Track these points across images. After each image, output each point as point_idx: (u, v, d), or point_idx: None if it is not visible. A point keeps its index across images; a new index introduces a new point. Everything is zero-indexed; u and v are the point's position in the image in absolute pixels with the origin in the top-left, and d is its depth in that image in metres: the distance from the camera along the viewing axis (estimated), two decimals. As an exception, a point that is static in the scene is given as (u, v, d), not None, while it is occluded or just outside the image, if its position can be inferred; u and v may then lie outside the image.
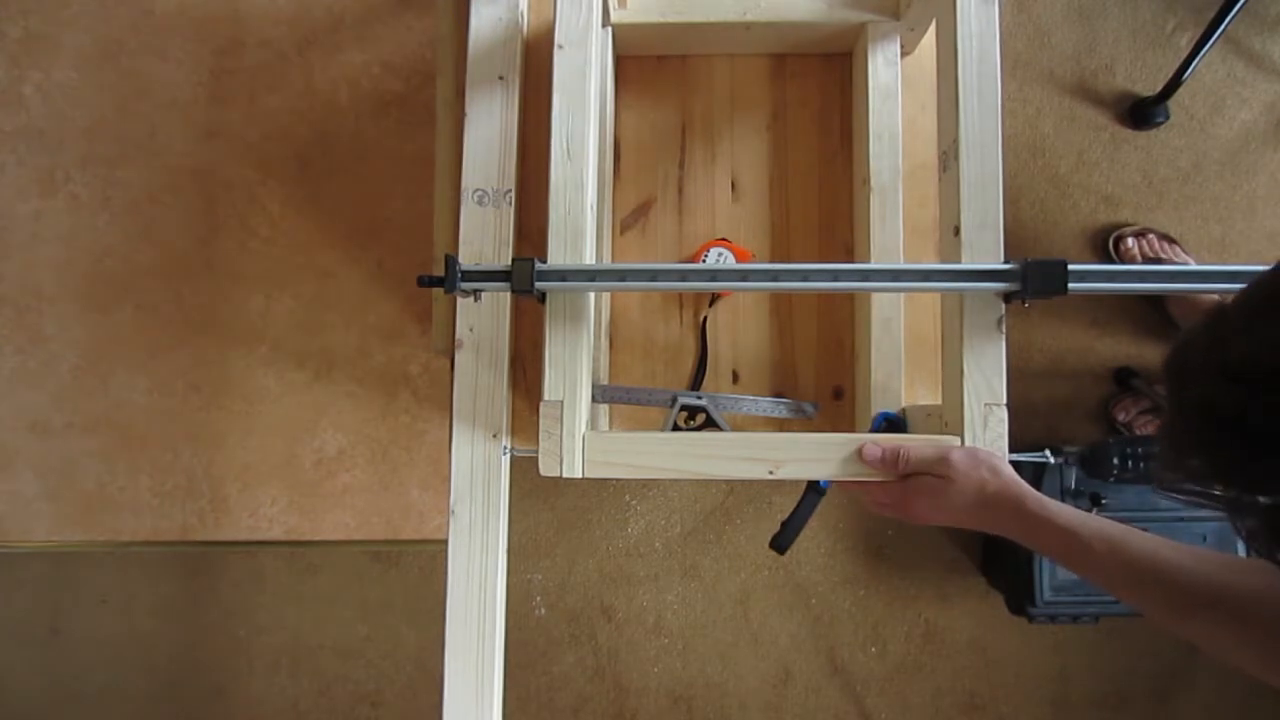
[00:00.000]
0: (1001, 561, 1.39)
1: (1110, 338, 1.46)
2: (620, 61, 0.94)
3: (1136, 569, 0.60)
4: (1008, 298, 0.69)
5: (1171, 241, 1.42)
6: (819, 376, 0.92)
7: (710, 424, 0.80)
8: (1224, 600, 0.56)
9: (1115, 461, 0.67)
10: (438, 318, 0.90)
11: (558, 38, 0.74)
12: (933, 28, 0.81)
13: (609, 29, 0.87)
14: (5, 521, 1.41)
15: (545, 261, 0.70)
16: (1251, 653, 0.56)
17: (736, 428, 0.81)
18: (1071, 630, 1.45)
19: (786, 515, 0.76)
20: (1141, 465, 0.66)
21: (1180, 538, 0.60)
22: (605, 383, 0.89)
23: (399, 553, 1.48)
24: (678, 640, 1.49)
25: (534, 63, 0.87)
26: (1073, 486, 1.27)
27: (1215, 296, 1.35)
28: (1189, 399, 0.45)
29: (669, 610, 1.49)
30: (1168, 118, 1.46)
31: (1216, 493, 0.44)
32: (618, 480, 1.48)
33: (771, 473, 0.70)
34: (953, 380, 0.71)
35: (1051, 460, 0.73)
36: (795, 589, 1.48)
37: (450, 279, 0.68)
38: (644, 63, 0.95)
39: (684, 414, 0.81)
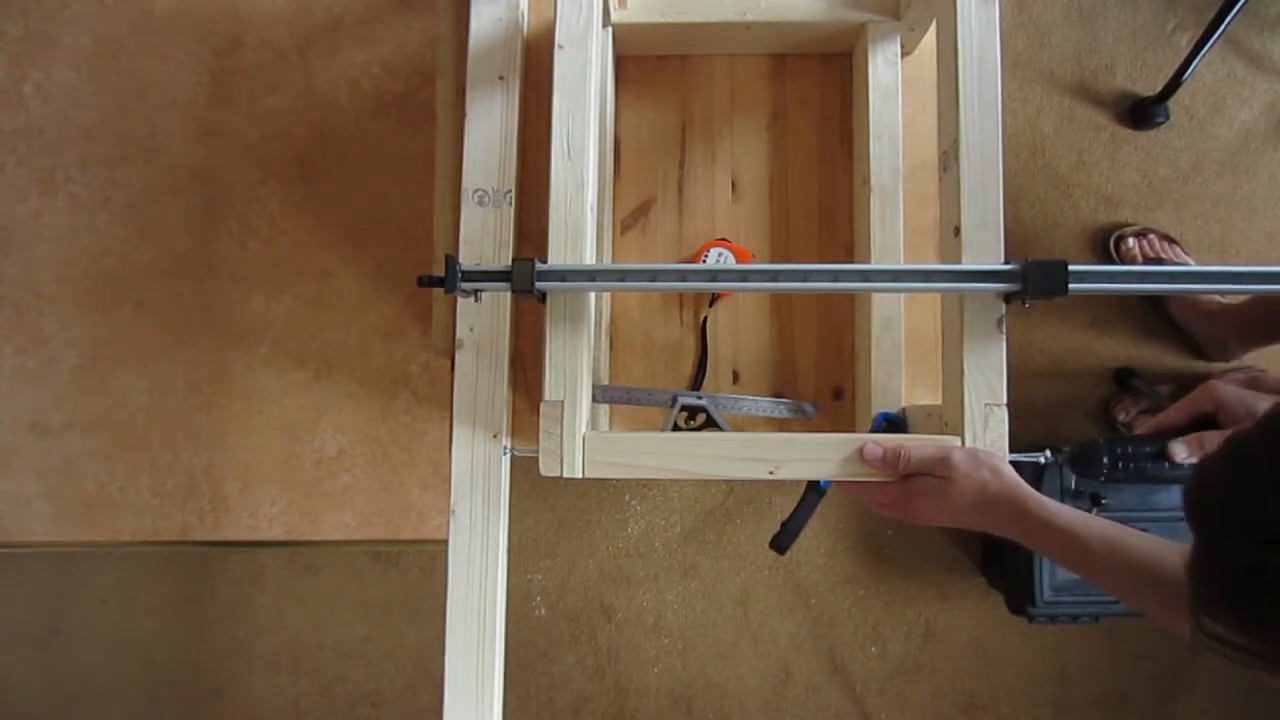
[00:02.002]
0: (1001, 561, 1.39)
1: (1110, 338, 1.46)
2: (620, 61, 0.94)
3: (1137, 570, 0.60)
4: (1008, 298, 0.69)
5: (1172, 241, 1.42)
6: (819, 376, 0.92)
7: (710, 424, 0.80)
8: None
9: (1105, 461, 0.67)
10: (438, 318, 0.90)
11: (558, 38, 0.74)
12: (933, 28, 0.81)
13: (609, 29, 0.87)
14: (5, 521, 1.41)
15: (545, 261, 0.70)
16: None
17: (736, 428, 0.81)
18: (1071, 630, 1.45)
19: (786, 515, 0.76)
20: (1132, 465, 0.66)
21: (1181, 538, 0.60)
22: (605, 383, 0.89)
23: (399, 553, 1.48)
24: (678, 640, 1.49)
25: (534, 63, 0.87)
26: (1073, 487, 1.27)
27: (1216, 297, 1.35)
28: (1220, 554, 0.43)
29: (669, 610, 1.49)
30: (1168, 118, 1.46)
31: (1259, 651, 0.42)
32: (618, 480, 1.48)
33: (771, 473, 0.70)
34: (953, 380, 0.71)
35: (1043, 460, 0.73)
36: (795, 589, 1.48)
37: (450, 279, 0.68)
38: (644, 63, 0.95)
39: (684, 414, 0.81)
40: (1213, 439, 0.63)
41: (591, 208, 0.74)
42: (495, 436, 0.78)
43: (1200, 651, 0.49)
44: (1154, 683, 1.47)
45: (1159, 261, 1.39)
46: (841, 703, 1.48)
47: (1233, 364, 1.43)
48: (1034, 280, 0.66)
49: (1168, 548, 0.60)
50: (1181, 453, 0.64)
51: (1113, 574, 0.61)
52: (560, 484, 1.47)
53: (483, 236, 0.80)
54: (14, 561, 1.49)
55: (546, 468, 0.71)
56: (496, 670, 0.75)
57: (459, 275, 0.69)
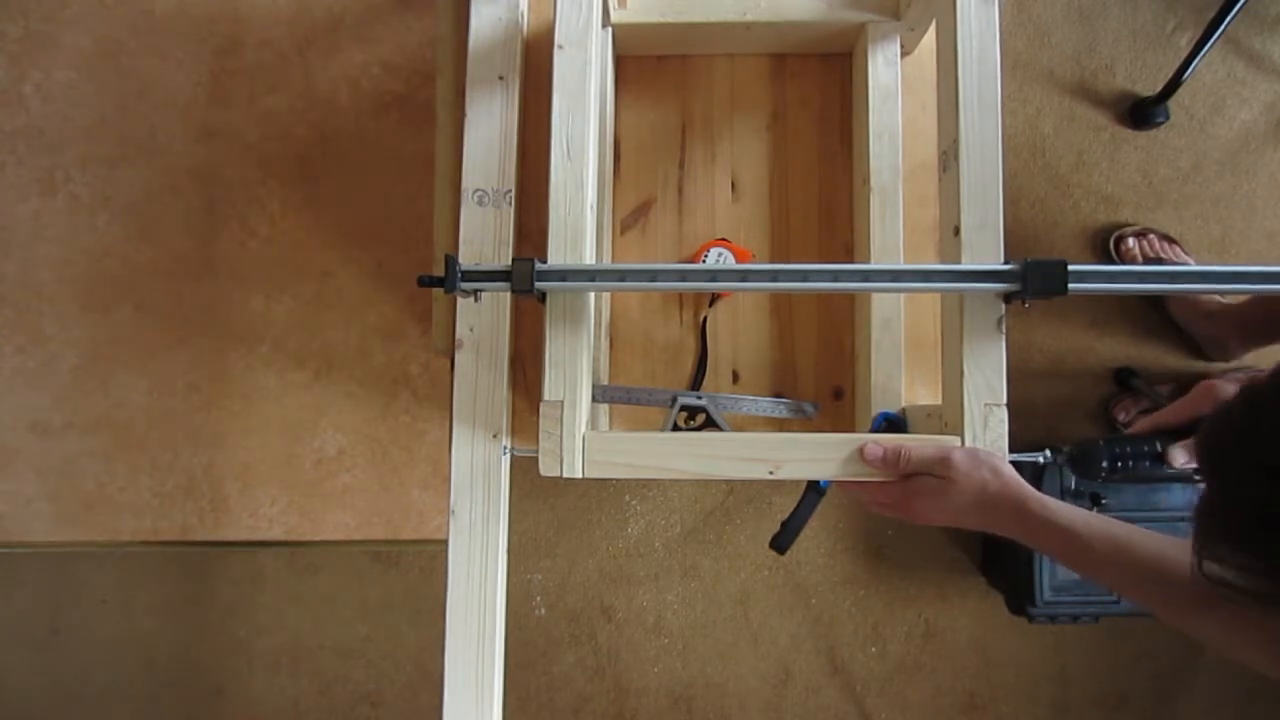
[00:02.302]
0: (1001, 561, 1.39)
1: (1110, 338, 1.46)
2: (620, 61, 0.94)
3: (1140, 568, 0.60)
4: (1008, 298, 0.69)
5: (1172, 242, 1.42)
6: (819, 376, 0.92)
7: (710, 424, 0.80)
8: None
9: (1105, 463, 0.67)
10: (438, 318, 0.90)
11: (558, 38, 0.74)
12: (933, 28, 0.81)
13: (609, 29, 0.87)
14: (5, 521, 1.41)
15: (545, 261, 0.70)
16: (1255, 649, 0.56)
17: (736, 428, 0.81)
18: (1071, 630, 1.45)
19: (786, 515, 0.76)
20: (1131, 465, 0.66)
21: (1182, 536, 0.60)
22: (605, 383, 0.89)
23: (399, 553, 1.48)
24: (678, 640, 1.49)
25: (534, 63, 0.87)
26: (1073, 487, 1.27)
27: (1216, 297, 1.35)
28: (1234, 496, 0.45)
29: (669, 610, 1.49)
30: (1168, 118, 1.46)
31: (1262, 590, 0.43)
32: (618, 480, 1.48)
33: (771, 473, 0.70)
34: (953, 380, 0.71)
35: (1042, 460, 0.73)
36: (795, 589, 1.48)
37: (450, 279, 0.68)
38: (644, 63, 0.95)
39: (684, 414, 0.81)
40: None
41: (591, 208, 0.74)
42: (495, 436, 0.78)
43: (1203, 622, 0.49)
44: (1154, 683, 1.47)
45: (1159, 261, 1.39)
46: (841, 703, 1.48)
47: (1233, 364, 1.43)
48: (1034, 280, 0.66)
49: (1170, 544, 0.60)
50: (1181, 458, 0.64)
51: (1116, 572, 0.61)
52: (560, 484, 1.47)
53: (483, 236, 0.80)
54: (14, 561, 1.49)
55: (546, 468, 0.71)
56: (496, 670, 0.75)
57: (459, 275, 0.69)
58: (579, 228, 0.73)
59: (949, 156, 0.73)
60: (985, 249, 0.69)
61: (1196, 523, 0.47)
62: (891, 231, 0.85)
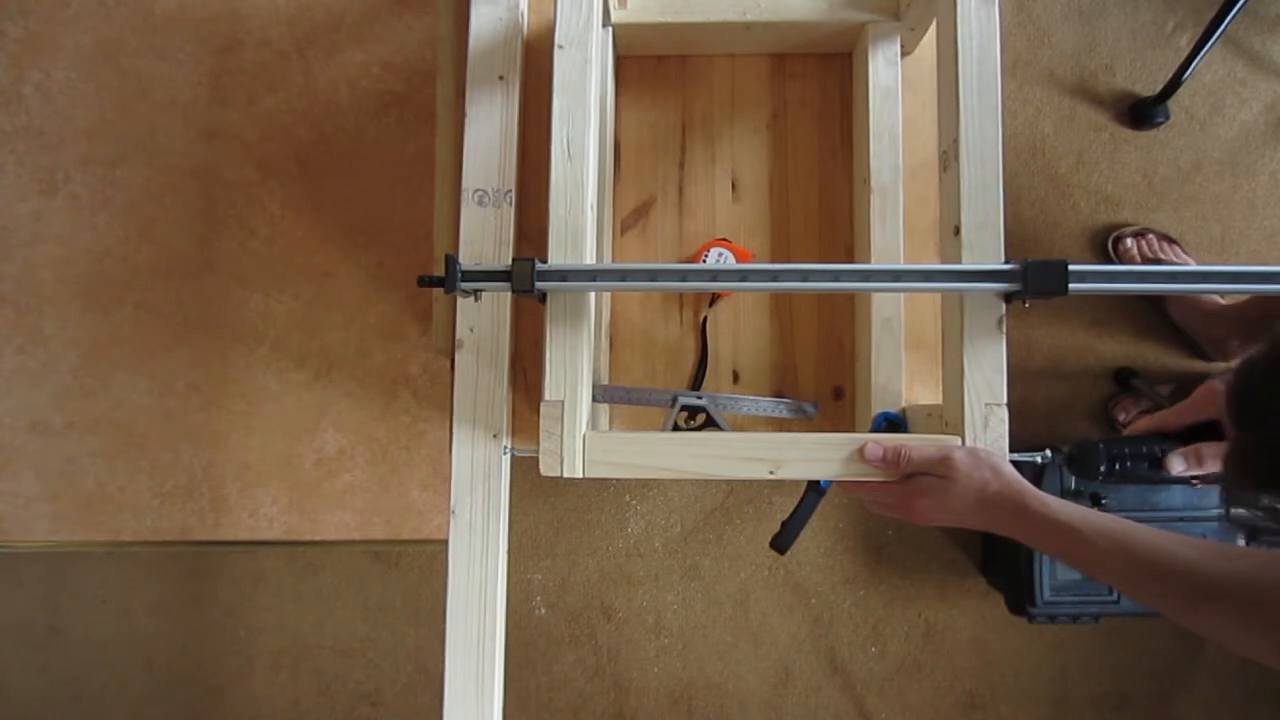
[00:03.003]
0: (1001, 561, 1.39)
1: (1110, 338, 1.46)
2: (620, 61, 0.94)
3: (1140, 564, 0.60)
4: (1008, 298, 0.69)
5: (1171, 241, 1.42)
6: (819, 376, 0.92)
7: (710, 424, 0.80)
8: (1230, 590, 0.56)
9: (1103, 466, 0.67)
10: (438, 318, 0.90)
11: (558, 38, 0.74)
12: (933, 28, 0.81)
13: (609, 29, 0.87)
14: (5, 521, 1.41)
15: (545, 261, 0.70)
16: (1261, 641, 0.56)
17: (736, 428, 0.81)
18: (1071, 630, 1.45)
19: (786, 515, 0.76)
20: (1129, 465, 0.66)
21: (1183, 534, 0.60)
22: (605, 383, 0.89)
23: (399, 553, 1.48)
24: (678, 640, 1.49)
25: (534, 63, 0.87)
26: (1073, 487, 1.27)
27: (1215, 297, 1.35)
28: (1260, 436, 0.45)
29: (669, 610, 1.49)
30: (1168, 118, 1.46)
31: None
32: (618, 480, 1.48)
33: (771, 473, 0.70)
34: (953, 380, 0.71)
35: (1041, 460, 0.73)
36: (795, 589, 1.48)
37: (450, 279, 0.68)
38: (644, 63, 0.95)
39: (684, 414, 0.81)
40: (1211, 451, 0.63)
41: (591, 208, 0.74)
42: (495, 436, 0.78)
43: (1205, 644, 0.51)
44: (1154, 683, 1.47)
45: (1158, 261, 1.39)
46: (841, 703, 1.48)
47: (1233, 364, 1.43)
48: (1034, 280, 0.66)
49: (1169, 539, 0.60)
50: (1179, 465, 0.64)
51: (1118, 569, 0.61)
52: (560, 484, 1.47)
53: (483, 236, 0.81)
54: (14, 561, 1.49)
55: (546, 468, 0.71)
56: (496, 670, 0.75)
57: (459, 275, 0.69)
58: (579, 228, 0.73)
59: (949, 156, 0.73)
60: (985, 249, 0.69)
61: (1224, 468, 0.48)
62: (891, 231, 0.85)
